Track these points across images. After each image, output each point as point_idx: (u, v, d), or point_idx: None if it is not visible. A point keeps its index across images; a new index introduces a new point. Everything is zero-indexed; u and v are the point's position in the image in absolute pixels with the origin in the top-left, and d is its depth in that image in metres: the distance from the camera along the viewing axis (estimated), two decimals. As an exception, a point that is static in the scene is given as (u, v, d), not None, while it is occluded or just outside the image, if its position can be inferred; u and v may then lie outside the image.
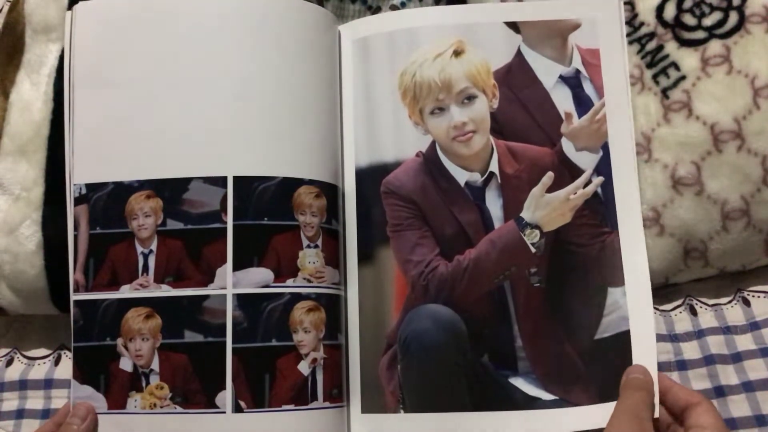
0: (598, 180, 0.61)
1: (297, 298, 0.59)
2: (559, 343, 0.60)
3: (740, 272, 0.67)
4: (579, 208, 0.61)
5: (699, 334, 0.65)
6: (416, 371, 0.60)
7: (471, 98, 0.63)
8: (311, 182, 0.61)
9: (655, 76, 0.65)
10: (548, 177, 0.61)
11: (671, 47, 0.65)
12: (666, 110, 0.64)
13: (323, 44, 0.65)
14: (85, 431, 0.57)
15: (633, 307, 0.60)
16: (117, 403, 0.58)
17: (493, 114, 0.63)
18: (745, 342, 0.65)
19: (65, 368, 0.67)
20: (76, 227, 0.60)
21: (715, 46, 0.64)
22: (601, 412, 0.58)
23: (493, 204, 0.62)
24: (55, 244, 0.63)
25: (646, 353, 0.59)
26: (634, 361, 0.59)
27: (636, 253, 0.61)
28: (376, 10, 0.72)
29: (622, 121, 0.63)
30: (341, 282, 0.62)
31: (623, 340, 0.60)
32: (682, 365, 0.64)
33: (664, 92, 0.64)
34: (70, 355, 0.59)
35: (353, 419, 0.61)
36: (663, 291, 0.67)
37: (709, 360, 0.64)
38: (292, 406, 0.57)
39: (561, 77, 0.64)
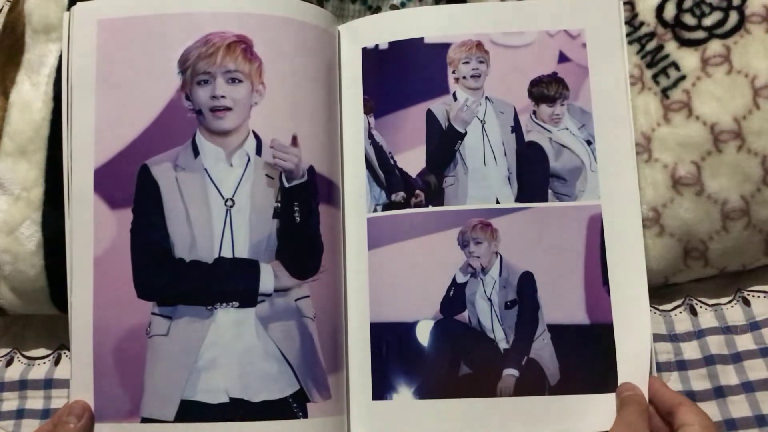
0: None
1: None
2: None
3: (740, 272, 0.67)
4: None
5: (699, 334, 0.65)
6: None
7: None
8: None
9: (655, 76, 0.65)
10: None
11: (671, 47, 0.65)
12: (666, 110, 0.64)
13: (323, 44, 0.65)
14: (81, 429, 0.57)
15: (619, 307, 0.61)
16: None
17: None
18: (745, 342, 0.65)
19: (65, 368, 0.67)
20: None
21: (715, 46, 0.64)
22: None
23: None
24: (55, 244, 0.63)
25: (638, 355, 0.60)
26: (623, 360, 0.60)
27: (632, 255, 0.62)
28: (376, 9, 0.72)
29: (621, 122, 0.63)
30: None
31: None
32: (682, 365, 0.64)
33: (664, 92, 0.64)
34: (70, 354, 0.59)
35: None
36: (663, 291, 0.67)
37: (709, 360, 0.64)
38: None
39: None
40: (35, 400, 0.66)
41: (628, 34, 0.65)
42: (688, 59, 0.64)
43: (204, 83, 0.60)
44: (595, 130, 0.64)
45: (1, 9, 0.73)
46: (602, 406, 0.59)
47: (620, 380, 0.60)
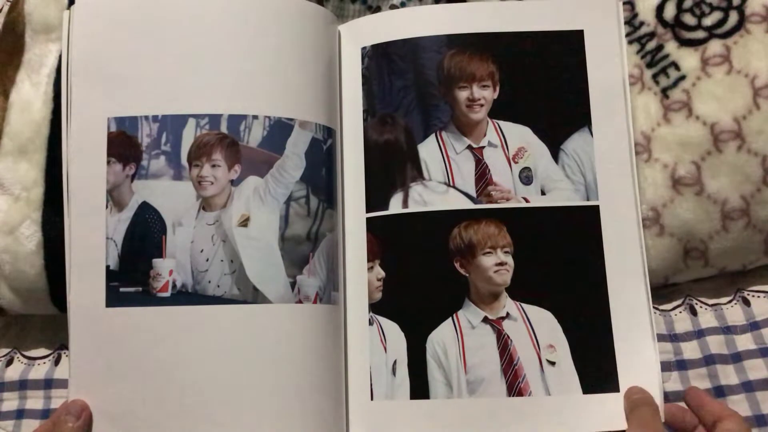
0: None
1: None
2: None
3: (740, 272, 0.67)
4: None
5: (699, 334, 0.65)
6: None
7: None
8: None
9: (655, 76, 0.65)
10: None
11: (671, 47, 0.65)
12: (666, 110, 0.64)
13: (323, 44, 0.65)
14: (79, 429, 0.57)
15: (617, 306, 0.61)
16: None
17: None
18: (745, 342, 0.65)
19: (65, 368, 0.66)
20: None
21: (715, 46, 0.64)
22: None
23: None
24: (55, 244, 0.63)
25: (643, 356, 0.60)
26: (623, 361, 0.60)
27: (631, 257, 0.62)
28: (376, 9, 0.72)
29: (619, 122, 0.63)
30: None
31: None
32: (682, 365, 0.64)
33: (664, 92, 0.64)
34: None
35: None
36: (663, 291, 0.67)
37: (709, 360, 0.64)
38: None
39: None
40: (35, 400, 0.66)
41: (628, 34, 0.65)
42: (688, 59, 0.64)
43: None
44: (593, 131, 0.64)
45: (1, 9, 0.73)
46: (603, 406, 0.59)
47: (621, 380, 0.60)
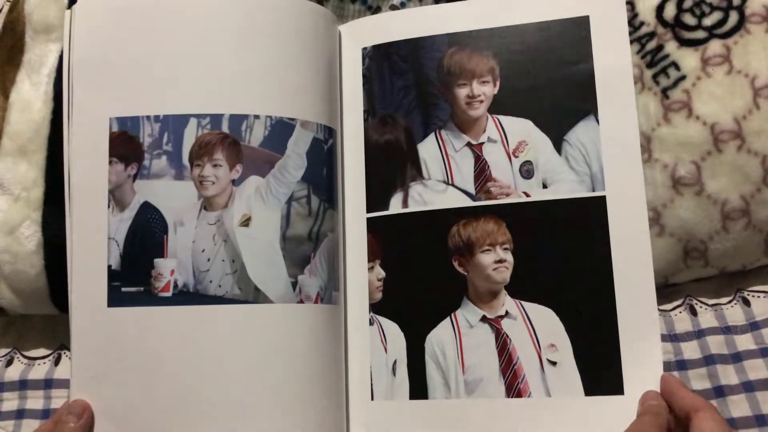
0: None
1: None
2: None
3: (740, 272, 0.67)
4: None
5: (699, 334, 0.65)
6: None
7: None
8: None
9: (655, 76, 0.65)
10: None
11: (671, 47, 0.65)
12: (666, 110, 0.64)
13: (323, 44, 0.65)
14: (80, 429, 0.57)
15: (626, 308, 0.59)
16: None
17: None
18: (745, 342, 0.65)
19: (65, 368, 0.67)
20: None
21: (715, 46, 0.64)
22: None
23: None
24: (55, 244, 0.63)
25: (650, 356, 0.59)
26: (628, 362, 0.59)
27: (640, 249, 0.60)
28: (376, 9, 0.72)
29: (627, 111, 0.62)
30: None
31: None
32: (682, 365, 0.64)
33: (664, 92, 0.64)
34: (70, 354, 0.59)
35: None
36: (663, 291, 0.67)
37: (709, 360, 0.64)
38: None
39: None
40: (35, 400, 0.66)
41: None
42: (688, 59, 0.64)
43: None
44: (600, 118, 0.62)
45: (1, 9, 0.73)
46: (606, 409, 0.58)
47: (626, 382, 0.58)
